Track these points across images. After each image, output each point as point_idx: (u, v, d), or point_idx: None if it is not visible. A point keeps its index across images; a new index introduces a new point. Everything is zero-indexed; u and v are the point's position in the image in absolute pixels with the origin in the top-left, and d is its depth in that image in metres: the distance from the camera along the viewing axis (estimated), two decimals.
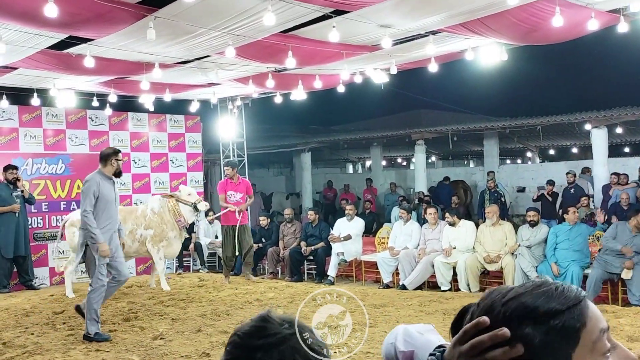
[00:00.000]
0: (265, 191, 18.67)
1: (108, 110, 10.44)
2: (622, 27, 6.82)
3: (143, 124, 11.00)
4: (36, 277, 9.49)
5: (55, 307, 7.34)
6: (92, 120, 10.46)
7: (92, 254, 5.73)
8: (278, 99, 11.12)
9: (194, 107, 11.49)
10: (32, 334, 6.04)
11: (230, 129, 12.55)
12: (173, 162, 11.18)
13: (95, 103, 10.33)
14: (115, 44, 6.99)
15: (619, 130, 14.03)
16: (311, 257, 9.87)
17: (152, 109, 10.72)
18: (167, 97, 10.16)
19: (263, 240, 10.58)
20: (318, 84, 9.47)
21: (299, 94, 10.08)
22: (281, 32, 6.90)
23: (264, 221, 10.88)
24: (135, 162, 10.86)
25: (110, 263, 5.88)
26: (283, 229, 10.40)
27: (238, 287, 8.57)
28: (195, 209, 8.81)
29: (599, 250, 7.57)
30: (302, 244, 9.91)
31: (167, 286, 8.56)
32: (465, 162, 26.15)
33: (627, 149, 18.93)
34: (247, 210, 9.76)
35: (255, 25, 6.39)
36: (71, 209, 9.62)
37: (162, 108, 11.18)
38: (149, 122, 11.05)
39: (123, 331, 6.04)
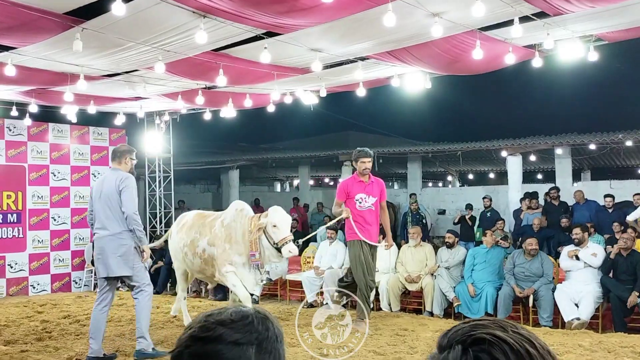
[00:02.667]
0: (191, 208, 18.36)
1: (27, 120, 10.01)
2: (537, 62, 7.28)
3: (64, 135, 10.64)
4: None
5: None
6: (10, 130, 10.02)
7: (139, 259, 5.69)
8: (207, 116, 11.07)
9: (119, 120, 11.21)
10: None
11: (156, 144, 12.33)
12: (95, 176, 10.83)
13: (14, 112, 9.89)
14: (39, 53, 6.77)
15: (532, 158, 14.85)
16: None
17: (74, 120, 10.37)
18: (92, 109, 9.88)
19: None
20: (248, 103, 9.52)
21: (229, 112, 10.08)
22: (213, 50, 6.92)
23: None
24: (55, 175, 10.46)
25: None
26: None
27: (159, 305, 8.38)
28: (278, 251, 6.06)
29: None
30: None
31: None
32: (390, 184, 26.80)
33: (539, 176, 20.02)
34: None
35: (187, 42, 6.38)
36: None
37: (86, 120, 10.86)
38: (70, 133, 10.70)
39: (36, 351, 5.78)
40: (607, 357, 5.18)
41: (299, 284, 9.32)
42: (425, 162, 17.67)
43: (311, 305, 8.83)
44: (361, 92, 8.69)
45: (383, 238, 7.30)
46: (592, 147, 13.22)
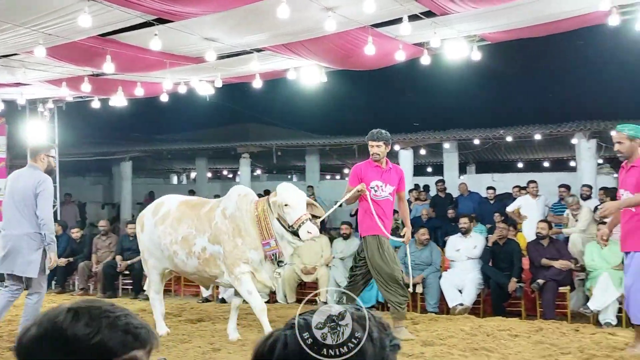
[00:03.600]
0: (80, 200, 17.48)
1: None
2: (425, 60, 7.59)
3: None
4: None
5: None
6: None
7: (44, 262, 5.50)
8: (96, 104, 10.54)
9: None
10: None
11: (40, 133, 11.57)
12: None
13: None
14: None
15: (422, 152, 15.49)
16: (127, 272, 9.45)
17: None
18: None
19: (74, 254, 9.90)
20: (139, 92, 9.17)
21: (118, 100, 9.65)
22: (99, 35, 6.59)
23: (76, 233, 10.19)
24: None
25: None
26: (97, 242, 9.82)
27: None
28: (294, 235, 5.19)
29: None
30: (118, 258, 9.45)
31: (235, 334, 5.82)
32: (289, 176, 26.94)
33: (429, 169, 20.93)
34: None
35: (70, 26, 6.02)
36: None
37: None
38: None
39: None
40: (486, 340, 5.51)
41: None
42: (323, 155, 17.92)
43: (206, 300, 8.70)
44: (257, 83, 8.64)
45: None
46: (477, 142, 14.01)
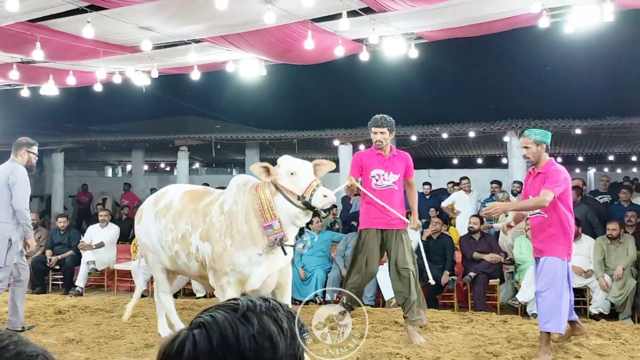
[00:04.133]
0: None
1: None
2: (364, 56, 7.66)
3: None
4: None
5: None
6: None
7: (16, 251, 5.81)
8: (26, 93, 10.08)
9: None
10: None
11: None
12: None
13: None
14: None
15: (362, 147, 15.65)
16: (57, 267, 9.14)
17: None
18: None
19: None
20: (72, 81, 8.83)
21: (49, 89, 9.27)
22: (29, 21, 6.31)
23: None
24: None
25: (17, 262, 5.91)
26: None
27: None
28: (308, 208, 4.47)
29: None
30: (48, 252, 9.11)
31: None
32: (229, 170, 26.69)
33: None
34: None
35: None
36: None
37: None
38: None
39: None
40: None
41: (128, 274, 8.92)
42: (263, 149, 17.83)
43: (142, 295, 8.51)
44: (196, 75, 8.50)
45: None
46: (414, 138, 14.27)
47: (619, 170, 21.25)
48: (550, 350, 4.82)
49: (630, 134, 13.40)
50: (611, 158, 19.18)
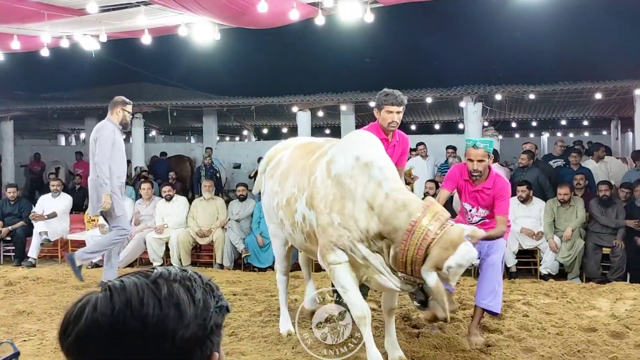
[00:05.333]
0: None
1: None
2: (320, 20, 7.56)
3: None
4: None
5: None
6: None
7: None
8: None
9: None
10: None
11: None
12: None
13: None
14: None
15: (320, 113, 15.61)
16: (9, 238, 8.92)
17: None
18: None
19: None
20: (16, 45, 8.45)
21: None
22: None
23: None
24: None
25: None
26: None
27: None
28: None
29: None
30: None
31: None
32: (187, 138, 26.30)
33: (327, 131, 21.16)
34: None
35: None
36: None
37: None
38: None
39: None
40: (374, 295, 5.73)
41: (82, 244, 8.75)
42: (221, 116, 17.59)
43: (96, 265, 8.39)
44: (147, 40, 8.23)
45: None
46: (372, 104, 14.26)
47: (571, 135, 21.79)
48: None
49: (582, 99, 13.71)
50: (564, 123, 19.64)
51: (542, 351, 4.01)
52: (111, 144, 6.02)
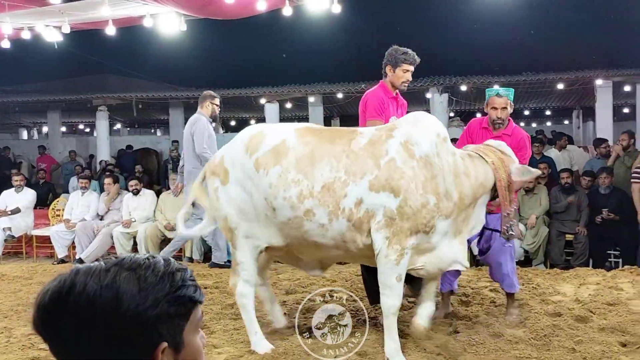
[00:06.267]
0: None
1: None
2: (287, 11, 7.55)
3: None
4: None
5: None
6: None
7: None
8: None
9: None
10: None
11: None
12: None
13: None
14: None
15: (288, 105, 15.60)
16: None
17: None
18: None
19: None
20: None
21: None
22: None
23: None
24: None
25: None
26: None
27: None
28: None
29: None
30: None
31: None
32: (152, 130, 25.96)
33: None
34: None
35: None
36: None
37: None
38: None
39: None
40: (344, 285, 5.79)
41: (47, 240, 8.60)
42: (187, 108, 17.39)
43: (62, 261, 8.26)
44: (111, 31, 8.10)
45: None
46: (340, 96, 14.33)
47: (534, 125, 22.26)
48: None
49: (544, 89, 14.01)
50: (527, 113, 20.03)
51: (509, 336, 4.11)
52: (207, 135, 6.45)
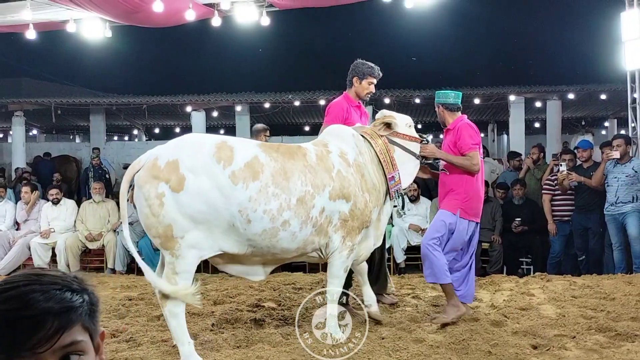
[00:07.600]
0: None
1: None
2: (216, 21, 7.57)
3: None
4: None
5: None
6: None
7: None
8: None
9: None
10: None
11: None
12: None
13: None
14: None
15: (215, 114, 15.49)
16: None
17: None
18: None
19: None
20: None
21: None
22: None
23: None
24: None
25: None
26: None
27: None
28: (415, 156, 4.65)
29: None
30: None
31: None
32: (71, 137, 24.98)
33: (222, 131, 20.99)
34: None
35: None
36: None
37: None
38: None
39: None
40: (272, 294, 5.84)
41: None
42: (109, 114, 16.91)
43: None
44: (31, 34, 7.81)
45: None
46: (267, 105, 14.40)
47: None
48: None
49: (462, 103, 14.64)
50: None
51: (430, 341, 4.30)
52: None
